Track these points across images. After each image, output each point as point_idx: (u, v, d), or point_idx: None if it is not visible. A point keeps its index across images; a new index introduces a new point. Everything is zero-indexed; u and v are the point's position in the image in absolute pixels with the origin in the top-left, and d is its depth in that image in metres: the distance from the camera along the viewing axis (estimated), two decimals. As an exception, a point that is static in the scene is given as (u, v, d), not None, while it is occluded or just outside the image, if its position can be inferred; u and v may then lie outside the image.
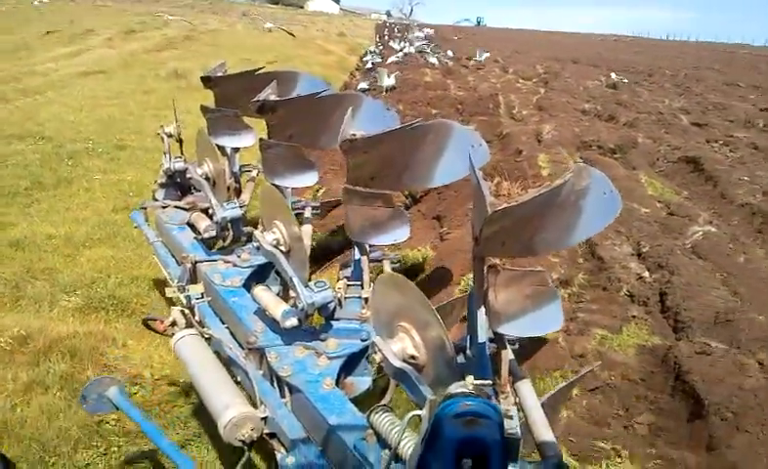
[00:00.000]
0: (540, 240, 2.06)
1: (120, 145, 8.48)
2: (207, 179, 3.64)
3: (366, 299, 2.70)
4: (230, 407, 2.15)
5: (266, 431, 2.17)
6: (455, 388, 1.50)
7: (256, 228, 3.16)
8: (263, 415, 2.18)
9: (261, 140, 3.28)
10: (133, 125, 9.51)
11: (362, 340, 2.46)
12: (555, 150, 8.55)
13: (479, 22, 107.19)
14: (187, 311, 2.89)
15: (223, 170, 3.62)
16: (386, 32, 42.55)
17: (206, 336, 2.68)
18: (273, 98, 3.27)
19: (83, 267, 4.91)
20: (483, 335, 2.01)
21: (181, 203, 3.85)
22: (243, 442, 2.12)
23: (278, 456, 2.10)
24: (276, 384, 2.41)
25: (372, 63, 18.59)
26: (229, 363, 2.58)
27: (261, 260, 3.10)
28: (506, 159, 7.97)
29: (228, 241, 3.46)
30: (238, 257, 3.22)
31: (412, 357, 1.91)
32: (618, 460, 3.00)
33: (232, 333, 2.77)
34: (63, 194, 6.54)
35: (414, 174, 2.86)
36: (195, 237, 3.52)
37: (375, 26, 53.55)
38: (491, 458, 1.47)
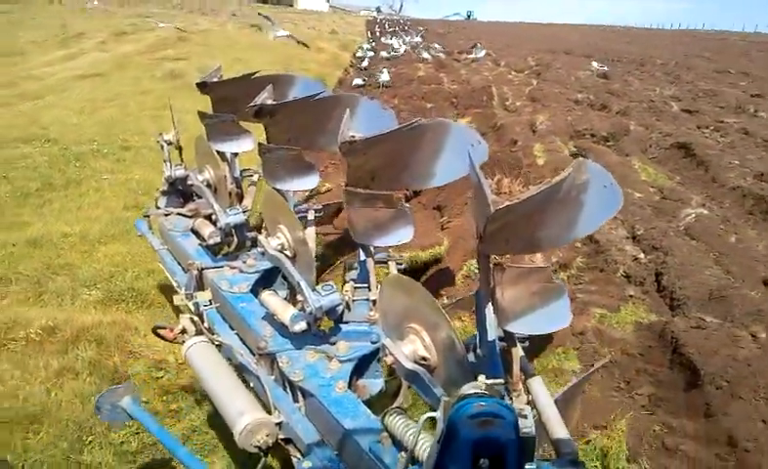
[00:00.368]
0: (544, 236, 2.06)
1: (124, 145, 8.57)
2: (209, 185, 3.63)
3: (374, 301, 2.69)
4: (244, 414, 2.15)
5: (281, 436, 2.17)
6: (469, 388, 1.49)
7: (260, 233, 3.15)
8: (277, 421, 2.18)
9: (260, 144, 3.26)
10: (134, 126, 9.59)
11: (373, 342, 2.46)
12: (549, 140, 8.63)
13: (469, 17, 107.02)
14: (195, 318, 2.89)
15: (224, 176, 3.61)
16: (377, 28, 42.48)
17: (216, 343, 2.68)
18: (270, 102, 3.25)
19: (101, 262, 5.06)
20: (492, 333, 2.00)
21: (184, 210, 3.84)
22: (259, 448, 2.12)
23: (295, 461, 2.09)
24: (288, 389, 2.40)
25: (369, 59, 18.56)
26: (240, 370, 2.58)
27: (267, 265, 3.10)
28: (502, 150, 8.01)
29: (233, 247, 3.45)
30: (244, 263, 3.21)
31: (423, 358, 1.91)
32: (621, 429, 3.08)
33: (241, 339, 2.77)
34: (73, 194, 6.68)
35: (414, 174, 2.84)
36: (200, 244, 3.51)
37: (366, 23, 53.37)
38: (507, 458, 1.46)
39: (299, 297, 2.49)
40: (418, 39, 25.89)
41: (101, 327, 3.98)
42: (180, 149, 4.17)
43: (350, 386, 2.30)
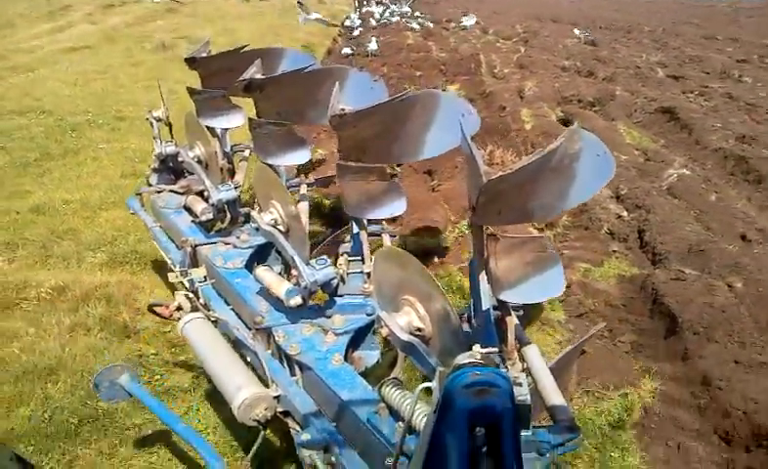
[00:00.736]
0: (537, 206, 2.04)
1: (119, 116, 8.57)
2: (199, 161, 3.58)
3: (368, 274, 2.68)
4: (242, 388, 2.15)
5: (279, 410, 2.18)
6: (464, 358, 1.48)
7: (252, 208, 3.12)
8: (275, 394, 2.18)
9: (250, 119, 3.21)
10: (127, 97, 9.58)
11: (368, 315, 2.46)
12: (537, 106, 8.76)
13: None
14: (191, 295, 2.87)
15: (215, 152, 3.55)
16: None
17: (212, 319, 2.67)
18: (259, 76, 3.19)
19: (103, 227, 5.16)
20: (486, 303, 2.00)
21: (176, 187, 3.79)
22: (258, 421, 2.13)
23: (294, 434, 2.10)
24: (285, 363, 2.41)
25: (359, 30, 18.32)
26: (237, 345, 2.57)
27: (261, 240, 3.08)
28: (491, 116, 8.12)
29: (225, 223, 3.41)
30: (238, 238, 3.19)
31: (419, 329, 1.90)
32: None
33: (237, 315, 2.76)
34: (71, 163, 6.74)
35: (406, 146, 2.81)
36: (193, 221, 3.47)
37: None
38: (504, 426, 1.47)
39: (293, 272, 2.48)
40: (406, 9, 25.48)
41: (109, 287, 4.13)
42: (170, 125, 4.10)
43: (346, 358, 2.30)
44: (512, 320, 2.04)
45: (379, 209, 2.78)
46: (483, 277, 2.03)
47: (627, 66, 12.73)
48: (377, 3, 27.30)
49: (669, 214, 5.10)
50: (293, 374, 2.35)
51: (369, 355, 2.46)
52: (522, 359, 2.01)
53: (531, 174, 1.88)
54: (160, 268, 4.28)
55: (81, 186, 6.08)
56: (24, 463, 1.80)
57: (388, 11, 24.05)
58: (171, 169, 4.06)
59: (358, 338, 2.45)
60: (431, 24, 21.03)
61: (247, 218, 3.36)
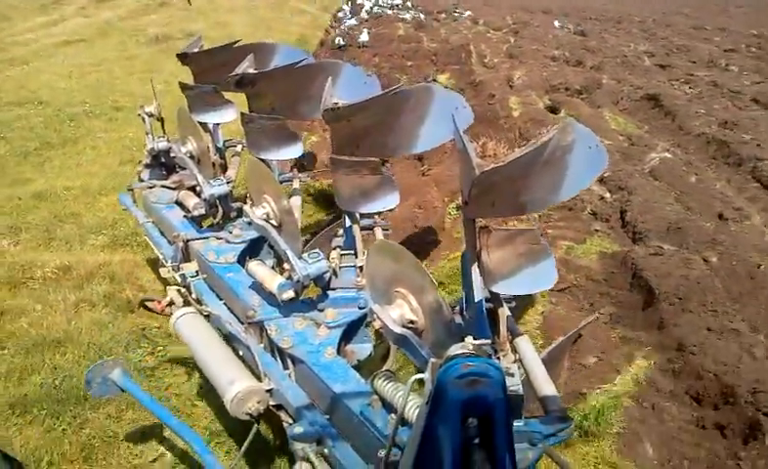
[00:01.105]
0: (530, 198, 2.04)
1: (115, 106, 8.64)
2: (192, 157, 3.55)
3: (361, 267, 2.67)
4: (235, 382, 2.14)
5: (272, 403, 2.17)
6: (456, 349, 1.48)
7: (245, 203, 3.10)
8: (268, 388, 2.17)
9: (243, 114, 3.19)
10: (122, 88, 9.65)
11: (360, 308, 2.45)
12: (525, 94, 8.89)
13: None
14: (183, 289, 2.86)
15: (207, 147, 3.53)
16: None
17: (205, 313, 2.66)
18: (251, 71, 3.17)
19: (104, 211, 5.30)
20: (479, 295, 1.99)
21: (168, 183, 3.76)
22: (251, 415, 2.12)
23: (286, 427, 2.09)
24: (277, 357, 2.40)
25: (349, 20, 18.27)
26: (229, 339, 2.56)
27: (253, 235, 3.06)
28: (480, 104, 8.23)
29: (218, 218, 3.39)
30: (230, 233, 3.17)
31: (411, 321, 1.89)
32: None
33: (229, 309, 2.75)
34: (71, 152, 6.88)
35: (399, 139, 2.79)
36: (185, 216, 3.45)
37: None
38: (496, 417, 1.47)
39: (286, 266, 2.47)
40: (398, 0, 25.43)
41: (111, 266, 4.30)
42: (162, 120, 4.08)
43: (339, 351, 2.30)
44: (504, 312, 2.04)
45: (372, 203, 2.76)
46: (475, 270, 2.03)
47: (615, 56, 12.80)
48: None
49: (651, 195, 5.25)
50: (286, 368, 2.34)
51: (362, 348, 2.45)
52: (514, 350, 2.01)
53: (523, 166, 1.87)
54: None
55: (81, 173, 6.20)
56: (12, 461, 1.78)
57: (380, 1, 23.98)
58: (163, 164, 4.03)
59: (350, 331, 2.45)
60: (422, 16, 20.99)
61: (240, 213, 3.34)
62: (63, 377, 3.21)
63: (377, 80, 3.21)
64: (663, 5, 26.47)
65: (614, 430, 2.88)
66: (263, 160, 3.08)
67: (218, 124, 3.75)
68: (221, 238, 3.16)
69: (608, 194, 5.46)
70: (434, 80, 10.37)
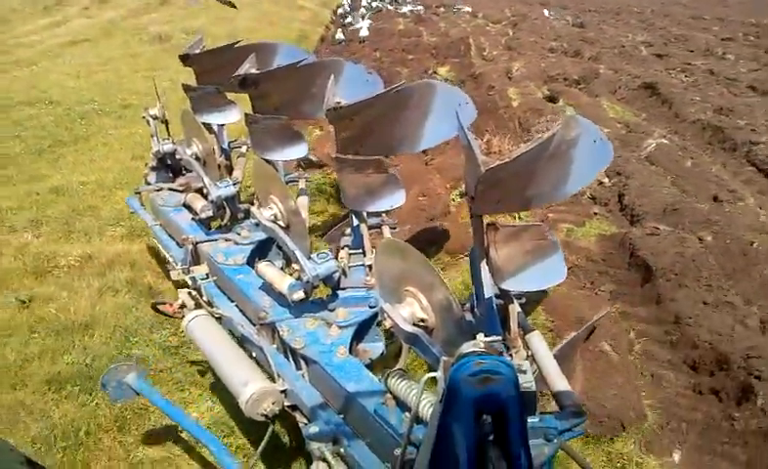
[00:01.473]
0: (536, 194, 2.03)
1: (124, 104, 8.74)
2: (197, 158, 3.54)
3: (370, 266, 2.66)
4: (249, 384, 2.14)
5: (286, 403, 2.17)
6: (467, 347, 1.48)
7: (252, 204, 3.09)
8: (282, 388, 2.18)
9: (247, 115, 3.17)
10: (129, 86, 9.72)
11: (371, 307, 2.44)
12: (524, 84, 8.93)
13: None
14: (194, 292, 2.86)
15: (212, 148, 3.51)
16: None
17: (216, 316, 2.66)
18: (253, 71, 3.15)
19: (120, 204, 5.29)
20: (489, 292, 1.98)
21: (175, 185, 3.76)
22: (266, 416, 2.12)
23: (302, 427, 2.10)
24: (290, 357, 2.40)
25: (350, 22, 18.23)
26: (241, 341, 2.56)
27: (261, 236, 3.06)
28: (480, 95, 8.22)
29: (225, 220, 3.39)
30: (238, 235, 3.17)
31: (422, 320, 1.89)
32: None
33: (240, 311, 2.75)
34: (83, 149, 7.00)
35: (403, 137, 2.78)
36: (193, 218, 3.45)
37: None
38: (510, 413, 1.46)
39: (295, 266, 2.47)
40: None
41: (131, 254, 4.48)
42: (166, 123, 4.07)
43: (351, 351, 2.29)
44: (514, 309, 2.03)
45: (378, 201, 2.75)
46: (484, 267, 2.02)
47: (613, 46, 12.77)
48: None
49: (648, 179, 5.36)
50: (299, 368, 2.35)
51: (374, 346, 2.45)
52: (526, 346, 2.01)
53: (528, 162, 1.87)
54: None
55: (95, 168, 6.33)
56: (35, 466, 1.78)
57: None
58: (169, 166, 4.03)
59: (362, 330, 2.45)
60: (421, 8, 20.93)
61: (247, 214, 3.34)
62: (92, 357, 3.39)
63: (379, 78, 3.20)
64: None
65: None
66: (268, 161, 3.07)
67: (222, 125, 3.74)
68: (229, 240, 3.16)
69: (606, 179, 5.56)
70: (434, 73, 10.36)
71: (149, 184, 3.96)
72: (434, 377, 1.52)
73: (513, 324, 2.01)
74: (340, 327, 2.36)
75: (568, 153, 1.95)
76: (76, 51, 12.88)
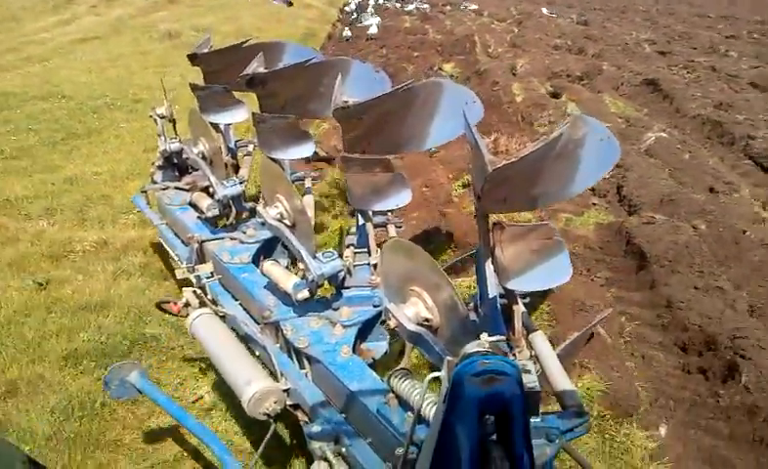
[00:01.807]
0: (542, 193, 2.01)
1: (135, 99, 8.94)
2: (204, 157, 3.53)
3: (375, 265, 2.64)
4: (252, 383, 2.13)
5: (289, 402, 2.16)
6: (472, 347, 1.45)
7: (258, 203, 3.08)
8: (285, 387, 2.16)
9: (254, 114, 3.15)
10: (140, 82, 9.94)
11: (375, 306, 2.42)
12: (528, 81, 9.02)
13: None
14: (198, 290, 2.85)
15: (219, 147, 3.50)
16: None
17: (220, 314, 2.65)
18: (261, 70, 3.13)
19: (132, 194, 5.34)
20: (493, 291, 1.96)
21: (181, 184, 3.75)
22: (268, 415, 2.11)
23: (304, 426, 2.08)
24: (294, 356, 2.38)
25: (359, 17, 18.26)
26: (245, 339, 2.55)
27: (267, 235, 3.04)
28: (484, 91, 8.32)
29: (231, 218, 3.38)
30: (244, 233, 3.15)
31: (426, 319, 1.87)
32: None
33: (245, 309, 2.74)
34: (96, 141, 7.21)
35: (410, 136, 2.74)
36: (199, 217, 3.43)
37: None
38: (513, 413, 1.44)
39: (300, 265, 2.45)
40: None
41: (144, 240, 4.64)
42: (173, 121, 4.06)
43: (354, 350, 2.27)
44: (519, 308, 2.01)
45: (384, 201, 2.72)
46: (489, 266, 2.00)
47: (617, 44, 12.80)
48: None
49: (646, 171, 5.45)
50: (302, 367, 2.33)
51: (378, 346, 2.43)
52: (529, 346, 1.98)
53: (535, 161, 1.84)
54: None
55: (108, 160, 6.50)
56: (37, 466, 1.77)
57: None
58: (176, 165, 4.02)
59: (365, 330, 2.42)
60: (427, 6, 20.91)
61: (253, 213, 3.32)
62: (107, 335, 3.53)
63: (387, 77, 3.16)
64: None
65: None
66: (275, 160, 3.06)
67: (229, 124, 3.72)
68: (235, 239, 3.14)
69: (605, 171, 5.71)
70: (440, 69, 10.35)
71: (155, 182, 3.95)
72: (438, 377, 1.50)
73: (517, 324, 1.98)
74: (344, 326, 2.34)
75: (575, 153, 1.93)
76: (87, 48, 13.04)
